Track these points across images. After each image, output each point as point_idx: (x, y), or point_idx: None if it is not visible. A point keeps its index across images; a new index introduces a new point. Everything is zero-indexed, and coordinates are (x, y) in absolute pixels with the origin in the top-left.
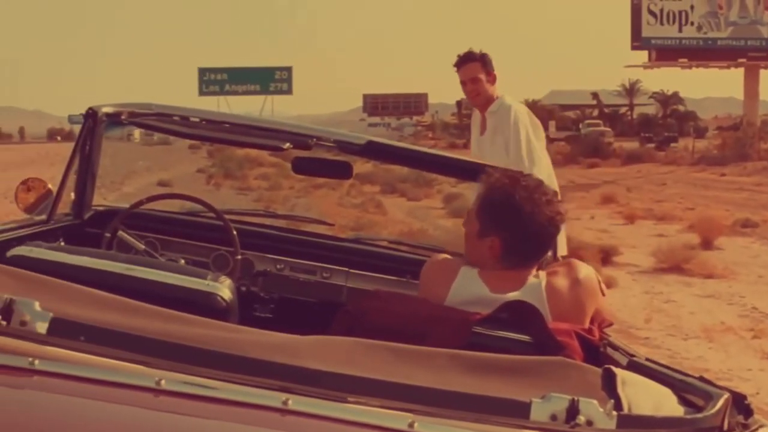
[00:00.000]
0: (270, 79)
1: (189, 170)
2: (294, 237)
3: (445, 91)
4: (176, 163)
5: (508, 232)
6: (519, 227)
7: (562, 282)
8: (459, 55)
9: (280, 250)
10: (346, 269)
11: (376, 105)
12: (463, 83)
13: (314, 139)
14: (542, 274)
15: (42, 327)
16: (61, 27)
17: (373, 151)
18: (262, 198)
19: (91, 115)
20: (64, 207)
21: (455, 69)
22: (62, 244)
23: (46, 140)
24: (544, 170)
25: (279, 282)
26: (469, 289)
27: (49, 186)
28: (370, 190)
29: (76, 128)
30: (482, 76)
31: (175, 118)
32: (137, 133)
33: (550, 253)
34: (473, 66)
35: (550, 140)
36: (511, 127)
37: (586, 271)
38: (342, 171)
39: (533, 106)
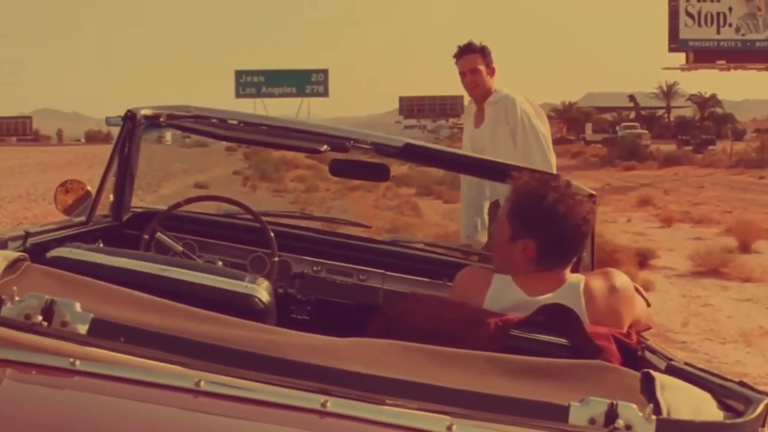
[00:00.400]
0: (306, 82)
1: (225, 172)
2: (331, 239)
3: None
4: (213, 166)
5: (542, 235)
6: (552, 229)
7: (599, 286)
8: (459, 46)
9: (316, 252)
10: (383, 272)
11: (412, 107)
12: (462, 74)
13: (351, 142)
14: (581, 276)
15: (82, 328)
16: (99, 29)
17: (410, 153)
18: (298, 200)
19: (130, 117)
20: (103, 209)
21: (455, 61)
22: (101, 245)
23: (83, 142)
24: (553, 159)
25: (316, 284)
26: (506, 295)
27: (88, 188)
28: (406, 192)
29: (113, 130)
30: (482, 68)
31: (213, 120)
32: (169, 134)
33: (588, 260)
34: (473, 57)
35: (586, 143)
36: (518, 117)
37: (622, 279)
38: (379, 173)
39: (569, 109)
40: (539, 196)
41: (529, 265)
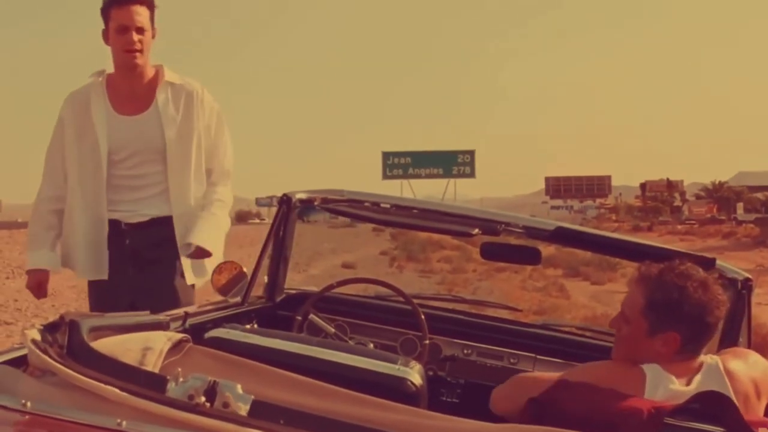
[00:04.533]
0: (453, 163)
1: (372, 252)
2: (481, 322)
3: (628, 173)
4: (360, 246)
5: (687, 326)
6: (697, 319)
7: (737, 365)
8: None
9: (467, 335)
10: (534, 355)
11: (558, 187)
12: (122, 29)
13: (503, 225)
14: (712, 356)
15: (244, 409)
16: (241, 107)
17: (562, 237)
18: (444, 281)
19: (286, 201)
20: (257, 289)
21: (102, 11)
22: (255, 326)
23: (236, 222)
24: None
25: (466, 367)
26: (664, 386)
27: (243, 268)
28: (553, 273)
29: (263, 210)
30: (149, 26)
31: (366, 204)
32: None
33: (744, 343)
34: (141, 9)
35: (738, 223)
36: (213, 109)
37: (754, 354)
38: (531, 257)
39: (720, 188)
40: (679, 287)
41: (672, 356)
